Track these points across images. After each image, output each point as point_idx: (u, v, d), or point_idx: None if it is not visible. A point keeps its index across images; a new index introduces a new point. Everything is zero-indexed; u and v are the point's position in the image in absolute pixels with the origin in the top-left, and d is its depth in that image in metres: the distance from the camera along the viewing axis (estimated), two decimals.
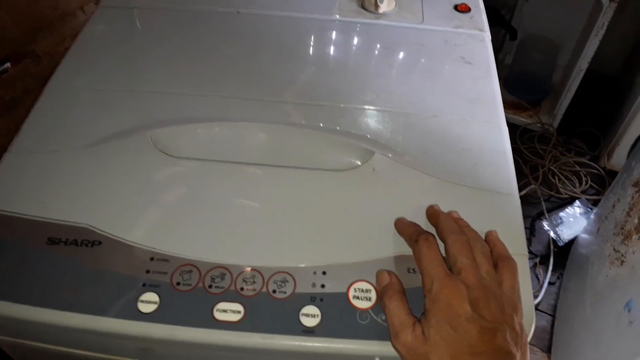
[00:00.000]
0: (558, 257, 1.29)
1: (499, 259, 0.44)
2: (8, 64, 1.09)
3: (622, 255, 0.88)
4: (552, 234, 1.32)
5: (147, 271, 0.45)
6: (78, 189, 0.50)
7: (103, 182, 0.50)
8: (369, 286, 0.44)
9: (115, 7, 0.70)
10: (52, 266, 0.45)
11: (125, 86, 0.59)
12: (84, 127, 0.55)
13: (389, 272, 0.44)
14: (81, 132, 0.54)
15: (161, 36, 0.67)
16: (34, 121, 0.56)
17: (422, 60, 0.65)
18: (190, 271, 0.45)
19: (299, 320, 0.43)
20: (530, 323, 0.43)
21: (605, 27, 1.28)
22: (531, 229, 1.36)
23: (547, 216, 1.37)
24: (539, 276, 1.27)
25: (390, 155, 0.52)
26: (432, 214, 0.48)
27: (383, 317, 0.43)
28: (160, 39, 0.66)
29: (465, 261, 0.41)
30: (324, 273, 0.45)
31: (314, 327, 0.42)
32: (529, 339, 0.41)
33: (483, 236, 0.46)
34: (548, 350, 1.15)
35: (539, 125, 1.58)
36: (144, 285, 0.44)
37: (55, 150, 0.52)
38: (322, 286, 0.44)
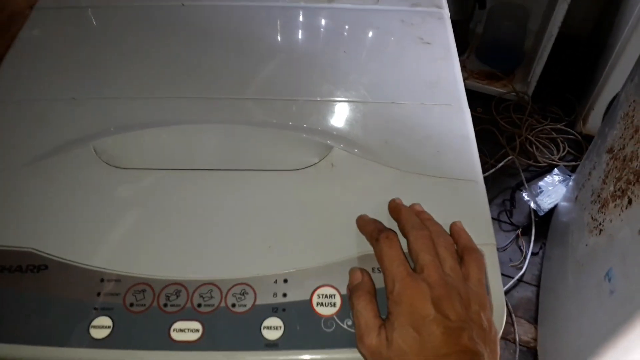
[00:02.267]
0: (540, 226, 1.29)
1: (464, 251, 0.42)
2: None
3: (600, 223, 0.87)
4: (532, 204, 1.32)
5: (98, 294, 0.42)
6: (20, 210, 0.47)
7: (46, 202, 0.47)
8: (333, 291, 0.42)
9: (49, 8, 0.66)
10: None
11: (65, 94, 0.55)
12: (23, 142, 0.51)
13: (362, 271, 0.42)
14: (20, 148, 0.50)
15: (101, 36, 0.63)
16: None
17: (379, 44, 0.62)
18: (143, 290, 0.42)
19: (261, 334, 0.40)
20: (501, 317, 0.41)
21: None
22: (511, 200, 1.36)
23: (526, 186, 1.37)
24: (521, 247, 1.27)
25: (349, 149, 0.50)
26: (394, 208, 0.46)
27: (349, 323, 0.41)
28: (100, 40, 0.62)
29: (427, 258, 0.40)
30: (285, 281, 0.43)
31: (276, 339, 0.40)
32: (499, 335, 0.40)
33: (448, 228, 0.44)
34: (535, 321, 1.16)
35: (514, 94, 1.56)
36: (95, 309, 0.41)
37: None
38: (284, 295, 0.42)
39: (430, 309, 0.37)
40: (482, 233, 0.45)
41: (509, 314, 1.14)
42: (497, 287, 0.43)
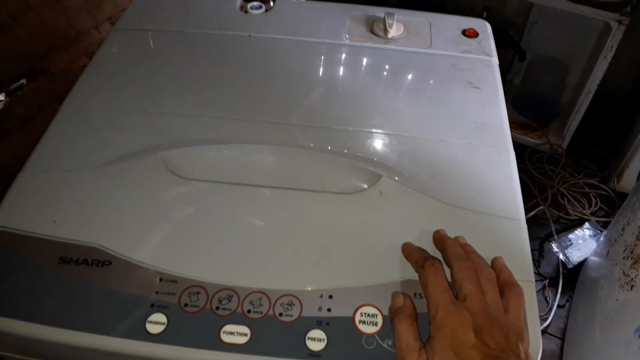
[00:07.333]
0: (567, 279, 1.28)
1: (505, 285, 0.44)
2: (24, 81, 1.12)
3: (632, 279, 0.87)
4: (561, 256, 1.32)
5: (156, 292, 0.45)
6: (89, 208, 0.50)
7: (114, 202, 0.51)
8: (375, 311, 0.45)
9: (129, 30, 0.72)
10: (63, 286, 0.45)
11: (138, 107, 0.60)
12: (97, 147, 0.56)
13: (405, 295, 0.44)
14: (94, 153, 0.55)
15: (174, 58, 0.68)
16: (48, 141, 0.57)
17: (430, 84, 0.65)
18: (198, 292, 0.45)
19: (305, 344, 0.43)
20: (537, 351, 0.43)
21: (614, 49, 1.29)
22: (540, 250, 1.35)
23: (556, 238, 1.36)
24: (547, 298, 1.26)
25: (397, 178, 0.53)
26: (439, 238, 0.48)
27: (389, 343, 0.43)
28: (172, 62, 0.67)
29: (470, 288, 0.41)
30: (330, 297, 0.45)
31: (319, 351, 0.42)
32: None
33: (489, 262, 0.46)
34: None
35: (548, 146, 1.58)
36: (152, 305, 0.44)
37: (68, 170, 0.53)
38: (329, 310, 0.44)
39: (472, 336, 0.38)
40: (522, 270, 0.47)
41: None
42: (534, 322, 0.44)
